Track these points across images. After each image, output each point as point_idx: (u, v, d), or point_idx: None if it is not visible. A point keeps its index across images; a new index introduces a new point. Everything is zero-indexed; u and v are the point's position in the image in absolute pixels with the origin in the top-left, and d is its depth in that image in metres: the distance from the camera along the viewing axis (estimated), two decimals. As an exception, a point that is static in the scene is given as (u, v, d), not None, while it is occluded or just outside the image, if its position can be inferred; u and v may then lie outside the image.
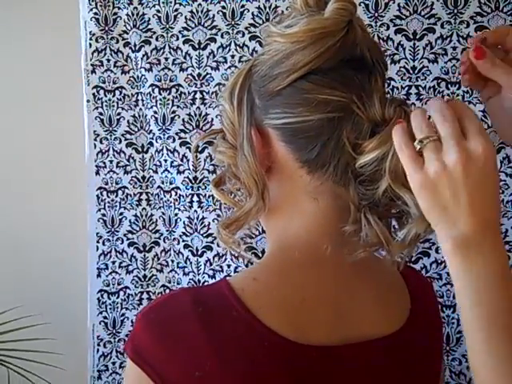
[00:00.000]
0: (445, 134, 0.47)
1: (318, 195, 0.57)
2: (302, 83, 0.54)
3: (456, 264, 0.47)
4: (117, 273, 1.41)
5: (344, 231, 0.56)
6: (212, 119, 1.35)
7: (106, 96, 1.38)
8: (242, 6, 1.31)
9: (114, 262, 1.41)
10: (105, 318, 1.41)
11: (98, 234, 1.40)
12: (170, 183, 1.38)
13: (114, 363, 1.42)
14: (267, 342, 0.52)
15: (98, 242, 1.40)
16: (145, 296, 1.42)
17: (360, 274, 0.59)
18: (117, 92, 1.37)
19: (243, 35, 1.32)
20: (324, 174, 0.56)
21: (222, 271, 1.38)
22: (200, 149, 1.34)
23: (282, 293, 0.56)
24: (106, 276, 1.41)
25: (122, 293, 1.42)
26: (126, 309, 1.42)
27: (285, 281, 0.57)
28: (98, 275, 1.40)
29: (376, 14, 1.25)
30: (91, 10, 1.34)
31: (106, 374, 1.42)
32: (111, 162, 1.39)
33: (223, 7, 1.32)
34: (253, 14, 1.31)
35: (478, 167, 0.45)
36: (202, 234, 1.37)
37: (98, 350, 1.42)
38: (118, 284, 1.41)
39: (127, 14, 1.34)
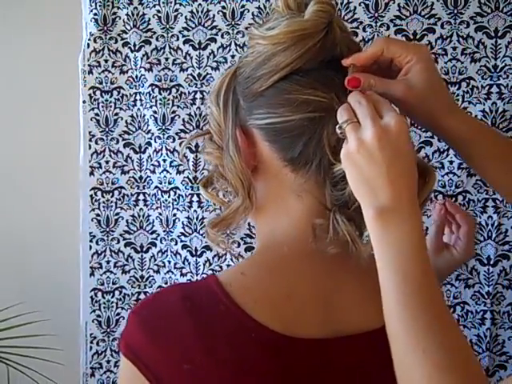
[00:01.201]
0: (361, 115, 0.51)
1: (303, 193, 0.58)
2: (284, 84, 0.56)
3: (377, 232, 0.50)
4: (112, 272, 1.41)
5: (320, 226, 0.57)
6: (212, 119, 1.35)
7: (102, 97, 1.38)
8: (242, 6, 1.31)
9: (108, 262, 1.41)
10: (98, 316, 1.42)
11: (91, 233, 1.40)
12: (169, 183, 1.38)
13: (108, 361, 1.42)
14: (255, 335, 0.53)
15: (91, 241, 1.40)
16: (142, 296, 1.42)
17: (349, 268, 0.60)
18: (114, 92, 1.38)
19: (243, 35, 1.32)
20: (307, 172, 0.57)
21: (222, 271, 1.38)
22: (200, 148, 1.34)
23: (270, 287, 0.56)
24: (100, 275, 1.41)
25: (117, 292, 1.42)
26: (122, 308, 1.42)
27: (273, 275, 0.58)
28: (92, 274, 1.40)
29: (376, 14, 1.25)
30: (91, 11, 1.34)
31: (100, 372, 1.42)
32: (107, 162, 1.39)
33: (223, 7, 1.32)
34: (253, 14, 1.31)
35: (393, 139, 0.49)
36: (201, 234, 1.37)
37: (91, 348, 1.42)
38: (113, 283, 1.41)
39: (127, 14, 1.34)
